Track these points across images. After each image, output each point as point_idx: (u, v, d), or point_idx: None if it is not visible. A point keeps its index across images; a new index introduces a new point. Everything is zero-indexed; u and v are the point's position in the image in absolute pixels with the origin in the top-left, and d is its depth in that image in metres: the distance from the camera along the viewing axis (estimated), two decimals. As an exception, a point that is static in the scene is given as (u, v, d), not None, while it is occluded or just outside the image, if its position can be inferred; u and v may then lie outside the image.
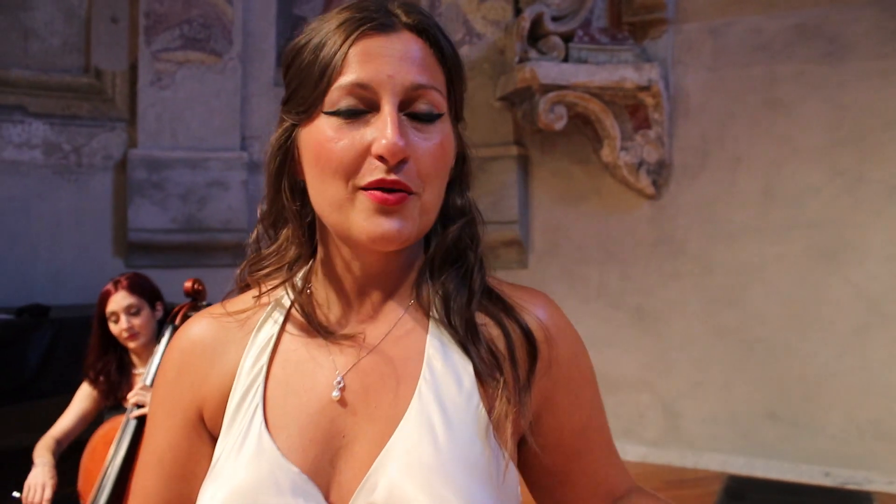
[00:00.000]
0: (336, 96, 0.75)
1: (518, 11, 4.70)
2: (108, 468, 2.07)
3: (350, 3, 0.80)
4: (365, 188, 0.74)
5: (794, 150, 4.30)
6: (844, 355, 4.20)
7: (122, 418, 2.15)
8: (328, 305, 0.84)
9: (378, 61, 0.75)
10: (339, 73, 0.75)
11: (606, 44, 4.49)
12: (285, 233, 0.84)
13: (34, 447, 2.28)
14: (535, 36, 4.53)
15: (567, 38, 4.48)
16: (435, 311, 0.82)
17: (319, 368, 0.80)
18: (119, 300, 2.25)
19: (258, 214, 0.86)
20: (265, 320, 0.84)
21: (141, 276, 2.36)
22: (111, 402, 2.31)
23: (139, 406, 2.11)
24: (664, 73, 4.48)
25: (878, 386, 4.12)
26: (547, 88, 4.35)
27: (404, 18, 0.78)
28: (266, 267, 0.84)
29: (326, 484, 0.76)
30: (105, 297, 2.26)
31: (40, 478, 2.14)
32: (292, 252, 0.84)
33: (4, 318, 3.91)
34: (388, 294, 0.83)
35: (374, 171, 0.74)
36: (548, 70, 4.34)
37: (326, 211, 0.77)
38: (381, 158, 0.74)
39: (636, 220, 4.68)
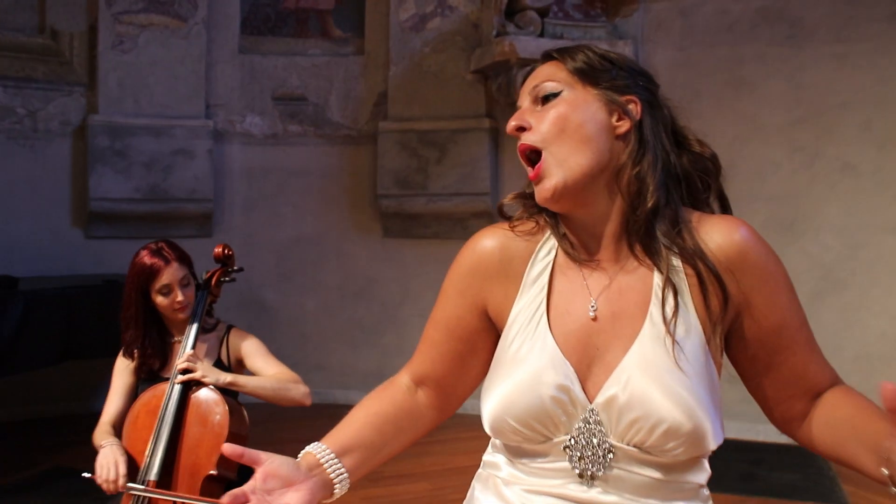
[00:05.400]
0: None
1: (493, -15, 4.74)
2: (156, 439, 2.03)
3: None
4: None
5: (756, 127, 4.53)
6: (799, 321, 4.47)
7: (163, 387, 2.10)
8: (576, 246, 1.13)
9: (526, 84, 1.15)
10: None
11: (580, 20, 4.60)
12: None
13: (92, 437, 2.16)
14: (512, 10, 4.60)
15: (542, 13, 4.57)
16: (648, 258, 1.08)
17: (579, 293, 1.09)
18: (173, 273, 2.18)
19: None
20: (543, 245, 1.14)
21: (179, 246, 2.27)
22: (145, 374, 2.25)
23: (187, 372, 2.09)
24: (635, 50, 4.62)
25: (830, 349, 4.28)
26: (525, 62, 4.43)
27: (549, 54, 1.17)
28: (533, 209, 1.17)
29: (584, 379, 1.06)
30: (155, 271, 2.18)
31: (111, 456, 2.05)
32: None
33: (-31, 289, 3.73)
34: (606, 242, 1.10)
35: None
36: (526, 44, 4.42)
37: None
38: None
39: (605, 192, 4.83)
